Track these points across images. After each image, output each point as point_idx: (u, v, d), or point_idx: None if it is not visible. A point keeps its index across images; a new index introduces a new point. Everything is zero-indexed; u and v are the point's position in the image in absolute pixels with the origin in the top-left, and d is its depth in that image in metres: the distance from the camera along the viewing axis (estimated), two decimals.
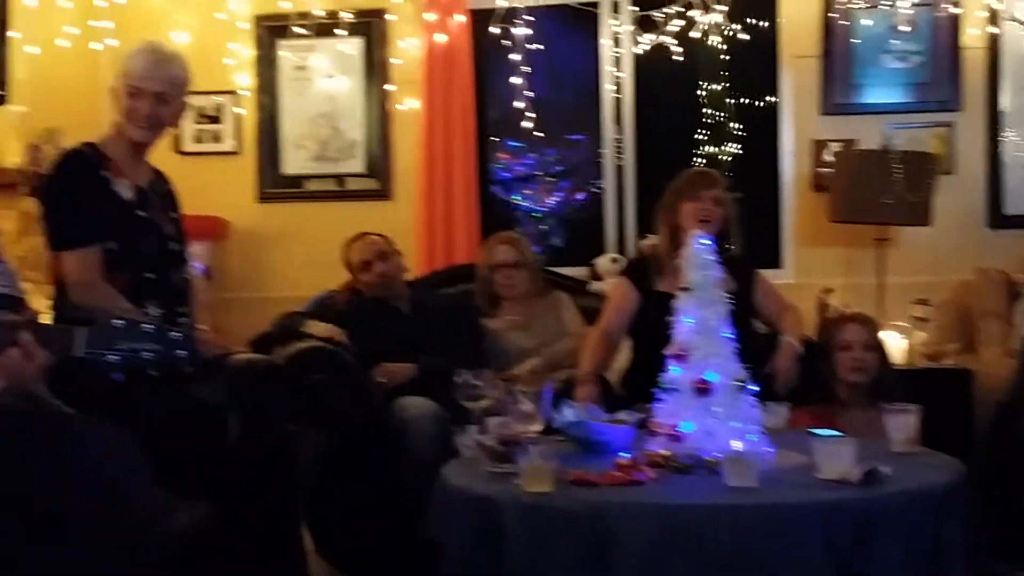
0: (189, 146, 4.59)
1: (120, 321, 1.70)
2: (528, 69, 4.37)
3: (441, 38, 4.40)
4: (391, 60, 4.53)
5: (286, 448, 2.61)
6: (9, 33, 3.74)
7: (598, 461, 2.19)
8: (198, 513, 2.25)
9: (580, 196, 4.86)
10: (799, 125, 4.37)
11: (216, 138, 4.63)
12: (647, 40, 4.34)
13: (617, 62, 4.52)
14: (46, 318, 2.50)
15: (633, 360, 3.22)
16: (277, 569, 2.53)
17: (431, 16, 4.41)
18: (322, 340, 3.29)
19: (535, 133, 4.43)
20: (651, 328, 2.67)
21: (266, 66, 4.61)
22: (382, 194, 4.59)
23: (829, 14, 4.25)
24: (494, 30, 4.34)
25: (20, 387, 1.77)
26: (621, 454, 2.21)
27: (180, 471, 2.16)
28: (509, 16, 4.35)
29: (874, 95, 4.28)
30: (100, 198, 2.48)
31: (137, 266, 2.50)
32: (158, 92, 2.52)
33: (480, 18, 4.44)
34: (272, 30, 4.57)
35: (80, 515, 1.73)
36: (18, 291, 1.80)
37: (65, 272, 2.45)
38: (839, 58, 4.27)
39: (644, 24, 4.38)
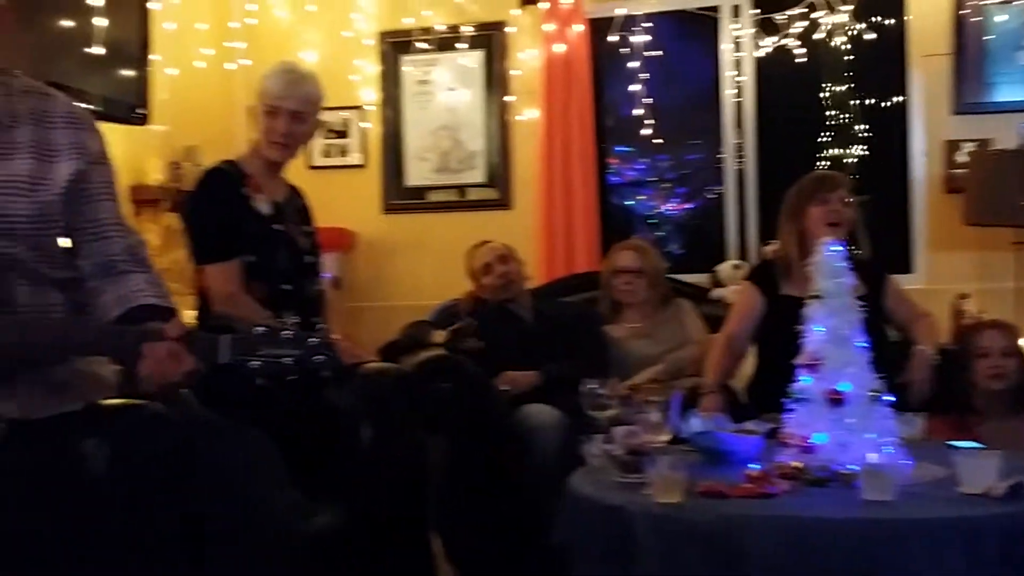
0: (318, 160, 4.75)
1: (261, 328, 1.75)
2: (646, 75, 4.37)
3: (560, 48, 4.43)
4: (511, 71, 4.59)
5: (415, 454, 2.67)
6: (151, 56, 3.93)
7: (728, 472, 2.17)
8: (333, 516, 2.32)
9: (698, 202, 4.82)
10: (930, 125, 4.24)
11: (343, 152, 4.77)
12: (769, 43, 4.29)
13: (738, 66, 4.47)
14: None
15: (759, 368, 3.17)
16: (407, 572, 2.59)
17: (550, 27, 4.45)
18: (448, 343, 3.36)
19: (654, 140, 4.42)
20: (778, 335, 2.62)
21: (390, 81, 4.72)
22: (502, 203, 4.65)
23: (960, 11, 4.11)
24: (612, 38, 4.36)
25: (168, 392, 1.87)
26: (751, 465, 2.18)
27: (316, 474, 2.24)
28: (627, 24, 4.36)
29: (1008, 93, 4.12)
30: (240, 213, 2.60)
31: (274, 278, 2.61)
32: (293, 111, 2.63)
33: (598, 27, 4.47)
34: (396, 46, 4.69)
35: (222, 515, 1.81)
36: (169, 302, 1.89)
37: (208, 284, 2.57)
38: (971, 55, 4.12)
39: (766, 27, 4.33)
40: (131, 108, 3.83)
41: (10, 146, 1.77)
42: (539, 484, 2.98)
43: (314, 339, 1.76)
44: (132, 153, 3.90)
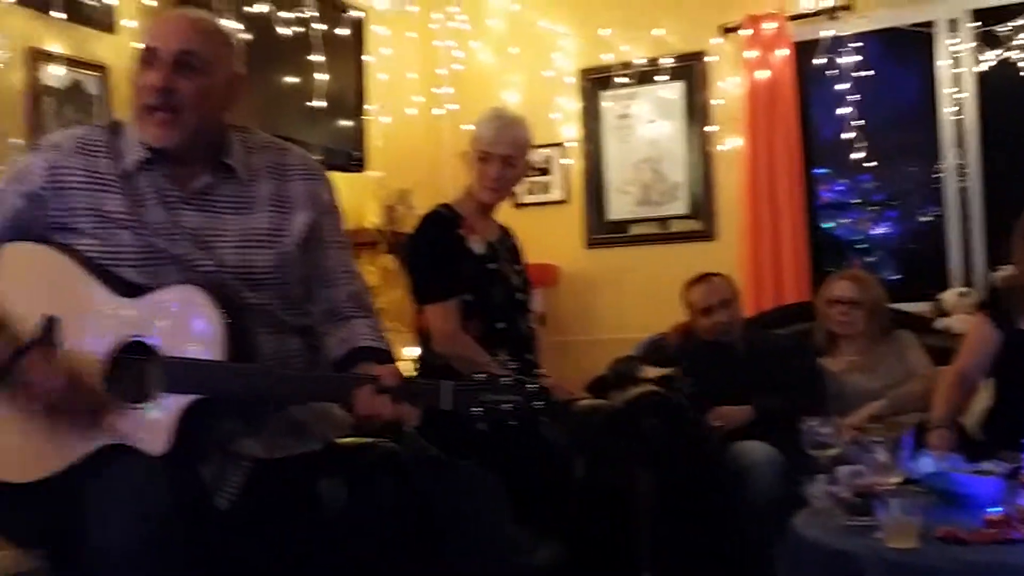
0: (521, 198, 4.85)
1: (482, 375, 1.78)
2: (856, 97, 4.22)
3: (763, 74, 4.35)
4: (712, 101, 4.55)
5: (626, 490, 2.67)
6: (367, 106, 4.16)
7: (966, 516, 2.04)
8: (552, 550, 2.35)
9: (911, 224, 4.59)
10: None
11: (545, 189, 4.85)
12: (991, 56, 4.05)
13: (956, 81, 4.24)
14: (404, 365, 2.73)
15: (996, 404, 2.97)
16: None
17: (752, 53, 4.38)
18: (658, 384, 3.33)
19: (863, 163, 4.26)
20: (1017, 369, 2.46)
21: (591, 116, 4.78)
22: (706, 235, 4.59)
23: None
24: (818, 61, 4.24)
25: (392, 431, 1.95)
26: (992, 509, 2.05)
27: (534, 509, 2.28)
28: (834, 45, 4.23)
29: None
30: (457, 254, 2.70)
31: (489, 316, 2.69)
32: (505, 155, 2.71)
33: (803, 50, 4.36)
34: (596, 82, 4.74)
35: (452, 551, 1.87)
36: (385, 344, 1.97)
37: (429, 323, 2.67)
38: None
39: (987, 39, 4.09)
40: (349, 156, 4.06)
41: (251, 200, 1.90)
42: (755, 524, 2.90)
43: (533, 385, 1.78)
44: (350, 199, 4.10)
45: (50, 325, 1.75)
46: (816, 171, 4.59)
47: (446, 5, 4.76)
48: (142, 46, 1.84)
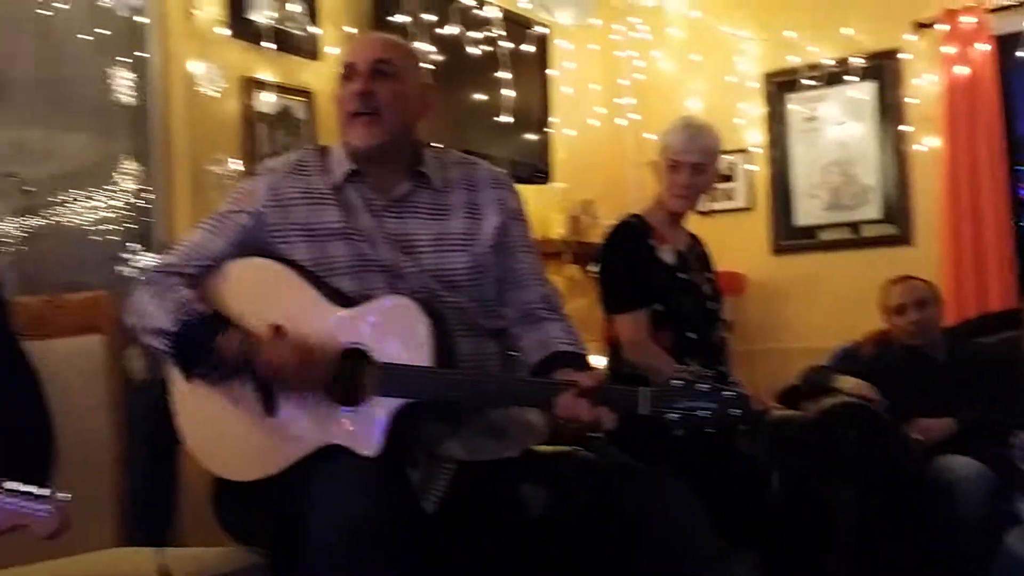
0: (706, 206, 4.80)
1: (679, 381, 1.77)
2: None
3: (962, 71, 4.15)
4: (906, 100, 4.37)
5: (825, 505, 2.61)
6: (551, 120, 4.23)
7: None
8: (749, 564, 2.33)
9: None
10: None
11: (730, 196, 4.79)
12: None
13: None
14: None
15: None
16: None
17: (950, 49, 4.18)
18: (852, 396, 3.23)
19: None
20: None
21: (776, 121, 4.68)
22: (901, 239, 4.41)
23: None
24: (1022, 55, 4.02)
25: (586, 438, 1.98)
26: None
27: (730, 522, 2.25)
28: None
29: None
30: (647, 264, 2.72)
31: (680, 326, 2.69)
32: (694, 163, 2.71)
33: (1004, 44, 4.13)
34: (781, 85, 4.64)
35: (648, 559, 1.88)
36: (582, 349, 2.01)
37: (619, 333, 2.70)
38: None
39: None
40: (535, 169, 4.14)
41: (446, 208, 2.01)
42: (963, 542, 2.76)
43: (729, 393, 1.77)
44: (536, 210, 4.15)
45: (276, 334, 1.88)
46: (1020, 170, 4.34)
47: (627, 16, 4.78)
48: (343, 64, 2.01)
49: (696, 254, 2.87)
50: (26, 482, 1.64)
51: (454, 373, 1.81)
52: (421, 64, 2.08)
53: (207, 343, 1.83)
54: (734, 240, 4.63)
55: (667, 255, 2.75)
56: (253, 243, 1.97)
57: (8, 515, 1.51)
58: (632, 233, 2.77)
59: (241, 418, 1.89)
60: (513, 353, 2.04)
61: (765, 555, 2.39)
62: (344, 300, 1.90)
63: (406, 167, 2.01)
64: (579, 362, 1.93)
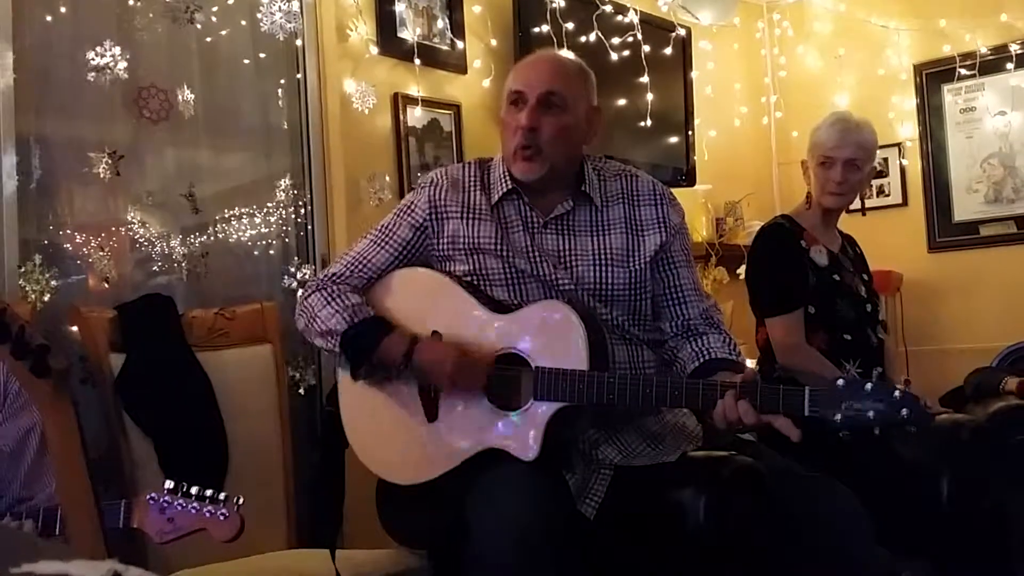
0: (857, 203, 4.66)
1: (843, 380, 1.73)
2: None
3: None
4: None
5: (998, 513, 2.49)
6: (694, 121, 4.20)
7: None
8: (921, 572, 2.25)
9: None
10: None
11: (882, 192, 4.63)
12: None
13: None
14: None
15: None
16: None
17: None
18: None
19: None
20: None
21: (930, 113, 4.50)
22: None
23: None
24: None
25: (744, 444, 1.96)
26: None
27: (896, 530, 2.19)
28: None
29: None
30: (800, 266, 2.66)
31: (835, 328, 2.63)
32: (848, 159, 2.65)
33: None
34: (934, 76, 4.47)
35: (811, 565, 1.85)
36: (740, 358, 1.99)
37: (772, 336, 2.66)
38: None
39: None
40: (678, 172, 4.11)
41: (606, 224, 2.03)
42: None
43: (898, 392, 1.71)
44: None
45: (436, 338, 1.94)
46: None
47: (770, 13, 4.70)
48: (511, 88, 2.03)
49: (850, 255, 2.80)
50: (202, 488, 1.74)
51: (610, 377, 1.82)
52: (592, 86, 2.08)
53: (374, 344, 1.91)
54: (889, 238, 4.48)
55: (820, 256, 2.68)
56: (414, 255, 2.04)
57: (191, 519, 1.61)
58: (783, 235, 2.72)
59: (404, 423, 1.95)
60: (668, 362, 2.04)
61: (936, 564, 2.30)
62: (500, 307, 1.94)
63: (567, 188, 2.04)
64: (736, 367, 1.91)
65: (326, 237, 3.14)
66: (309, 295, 2.02)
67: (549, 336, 1.86)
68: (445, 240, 2.01)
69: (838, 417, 1.69)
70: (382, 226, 2.09)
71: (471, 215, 2.01)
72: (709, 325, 2.03)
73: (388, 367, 1.93)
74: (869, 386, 1.71)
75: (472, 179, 2.06)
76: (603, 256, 1.99)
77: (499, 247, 1.97)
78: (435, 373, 1.88)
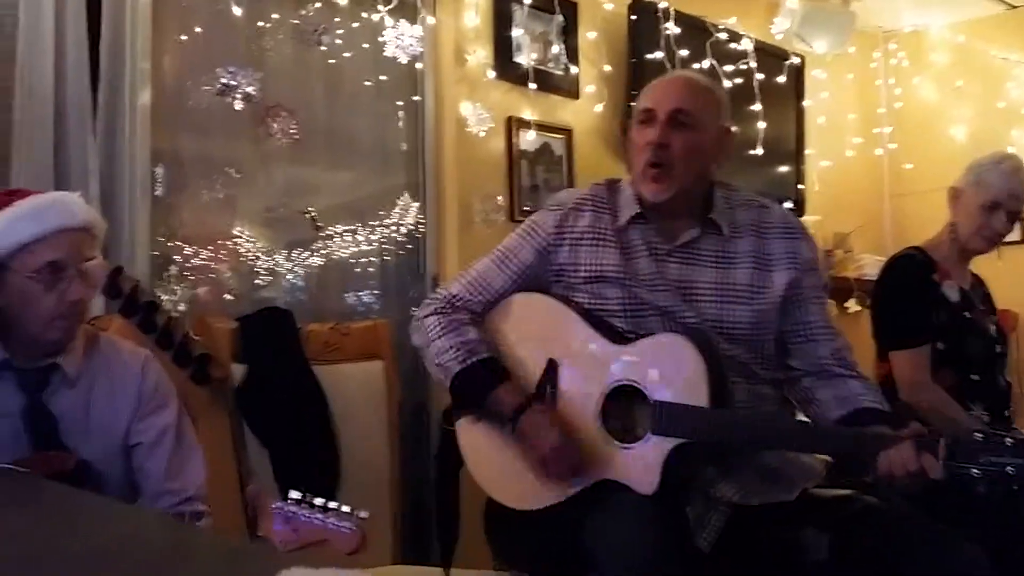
0: None
1: (980, 435, 1.66)
2: None
3: None
4: None
5: None
6: (805, 151, 4.14)
7: None
8: None
9: None
10: None
11: None
12: None
13: None
14: None
15: None
16: None
17: None
18: None
19: None
20: None
21: None
22: None
23: None
24: None
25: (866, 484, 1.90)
26: None
27: None
28: None
29: None
30: (930, 300, 2.57)
31: (963, 367, 2.53)
32: (1014, 211, 2.58)
33: None
34: None
35: None
36: (886, 407, 1.91)
37: (896, 370, 2.56)
38: None
39: None
40: (788, 201, 4.04)
41: (732, 256, 1.96)
42: None
43: None
44: None
45: (552, 368, 1.94)
46: None
47: (886, 43, 4.61)
48: (641, 107, 1.99)
49: (979, 294, 2.70)
50: (326, 500, 1.76)
51: (732, 415, 1.78)
52: (723, 107, 2.02)
53: (483, 396, 1.90)
54: (1005, 276, 4.32)
55: (951, 292, 2.59)
56: (535, 278, 2.02)
57: (315, 530, 1.63)
58: (914, 266, 2.62)
59: (520, 449, 1.94)
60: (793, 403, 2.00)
61: None
62: (619, 337, 1.91)
63: (695, 212, 1.98)
64: (892, 420, 1.84)
65: (437, 256, 3.18)
66: (427, 315, 2.00)
67: (669, 369, 1.83)
68: (567, 266, 1.98)
69: (975, 472, 1.64)
70: (505, 247, 2.06)
71: (596, 241, 1.98)
72: (843, 367, 1.96)
73: (494, 418, 1.92)
74: (1009, 441, 1.64)
75: (600, 202, 2.02)
76: (727, 291, 1.93)
77: (621, 276, 1.93)
78: (532, 449, 1.86)
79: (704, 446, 1.82)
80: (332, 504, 1.73)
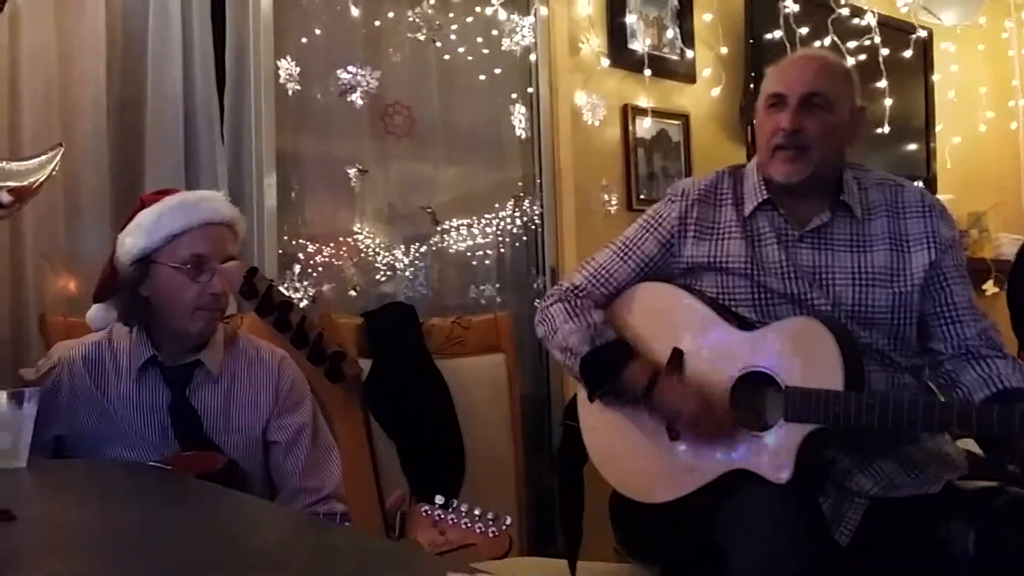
0: None
1: None
2: None
3: None
4: None
5: None
6: (935, 127, 3.97)
7: None
8: None
9: None
10: None
11: None
12: None
13: None
14: None
15: None
16: None
17: None
18: None
19: None
20: None
21: None
22: None
23: None
24: None
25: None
26: None
27: None
28: None
29: None
30: None
31: None
32: None
33: None
34: None
35: None
36: None
37: None
38: None
39: None
40: (918, 181, 3.89)
41: (867, 238, 1.89)
42: None
43: None
44: None
45: (678, 357, 1.91)
46: None
47: (1019, 12, 4.38)
48: (769, 92, 1.93)
49: None
50: (440, 494, 1.78)
51: (869, 399, 1.71)
52: (855, 85, 1.96)
53: (616, 371, 1.88)
54: None
55: None
56: (658, 269, 1.99)
57: (463, 534, 1.65)
58: None
59: (645, 442, 1.91)
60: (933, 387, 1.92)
61: None
62: (746, 324, 1.87)
63: (826, 195, 1.93)
64: None
65: (555, 247, 3.17)
66: (551, 304, 2.00)
67: (800, 354, 1.78)
68: (691, 258, 1.95)
69: None
70: (626, 237, 2.04)
71: (721, 233, 1.94)
72: (991, 347, 1.87)
73: (627, 396, 1.89)
74: None
75: (724, 191, 1.98)
76: (864, 275, 1.87)
77: (748, 267, 1.88)
78: (675, 418, 1.84)
79: (839, 432, 1.76)
80: (477, 509, 1.75)
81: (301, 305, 2.65)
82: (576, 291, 2.00)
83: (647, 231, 2.01)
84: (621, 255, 2.01)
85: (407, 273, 2.95)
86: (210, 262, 1.83)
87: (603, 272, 2.02)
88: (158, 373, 1.87)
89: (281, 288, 2.56)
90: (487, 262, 3.12)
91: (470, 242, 3.09)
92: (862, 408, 1.71)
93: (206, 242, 1.83)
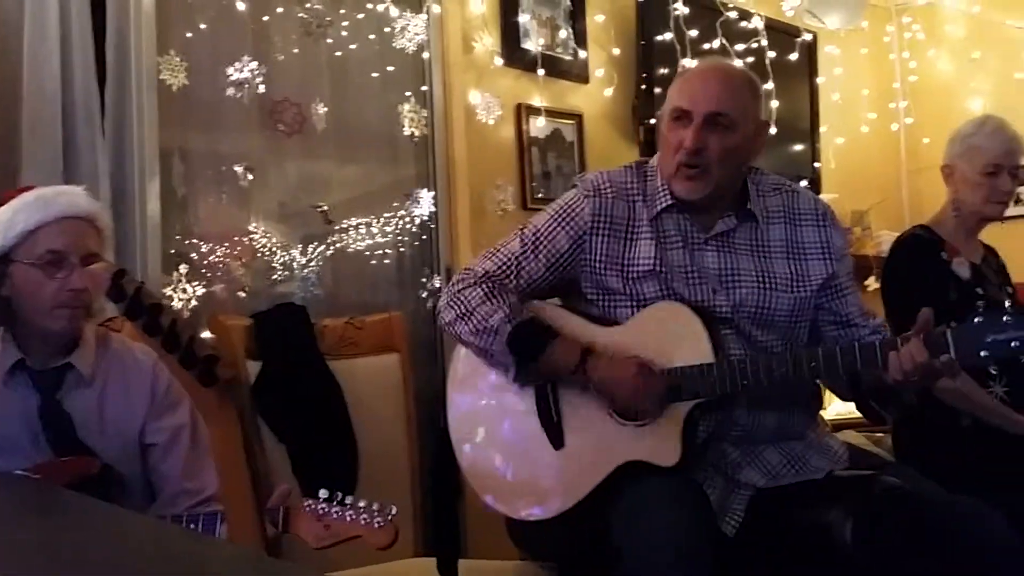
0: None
1: (980, 317, 1.68)
2: None
3: None
4: None
5: None
6: (821, 129, 4.10)
7: None
8: None
9: None
10: None
11: (1019, 200, 4.42)
12: None
13: None
14: None
15: None
16: None
17: None
18: None
19: None
20: None
21: None
22: None
23: None
24: None
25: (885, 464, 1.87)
26: None
27: None
28: None
29: None
30: (940, 280, 2.54)
31: None
32: (1015, 166, 2.53)
33: None
34: None
35: None
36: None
37: None
38: None
39: None
40: (802, 180, 4.01)
41: (768, 244, 1.93)
42: None
43: None
44: None
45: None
46: None
47: (899, 16, 4.56)
48: (674, 104, 1.90)
49: (992, 267, 2.66)
50: (356, 497, 1.76)
51: (741, 362, 1.77)
52: (760, 100, 1.96)
53: (541, 347, 1.84)
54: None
55: (962, 269, 2.56)
56: (567, 267, 1.95)
57: (348, 526, 1.63)
58: (921, 247, 2.59)
59: (531, 457, 1.89)
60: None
61: None
62: (611, 321, 1.89)
63: (731, 204, 1.94)
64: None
65: (450, 247, 3.16)
66: (464, 288, 1.92)
67: (666, 336, 1.83)
68: (603, 257, 1.92)
69: (983, 353, 1.67)
70: (536, 229, 1.97)
71: (632, 233, 1.93)
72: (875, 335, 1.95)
73: (553, 374, 1.87)
74: (1007, 318, 1.66)
75: (632, 187, 1.96)
76: (767, 279, 1.91)
77: (658, 267, 1.89)
78: (616, 384, 1.81)
79: (718, 403, 1.80)
80: (362, 502, 1.73)
81: (191, 306, 2.59)
82: (490, 276, 1.94)
83: (558, 224, 1.95)
84: (532, 247, 1.95)
85: (303, 273, 2.91)
86: (68, 258, 1.77)
87: (513, 263, 1.95)
88: (27, 377, 1.80)
89: (166, 289, 2.52)
90: (385, 261, 3.10)
91: (367, 242, 3.06)
92: (735, 370, 1.77)
93: (63, 237, 1.77)
